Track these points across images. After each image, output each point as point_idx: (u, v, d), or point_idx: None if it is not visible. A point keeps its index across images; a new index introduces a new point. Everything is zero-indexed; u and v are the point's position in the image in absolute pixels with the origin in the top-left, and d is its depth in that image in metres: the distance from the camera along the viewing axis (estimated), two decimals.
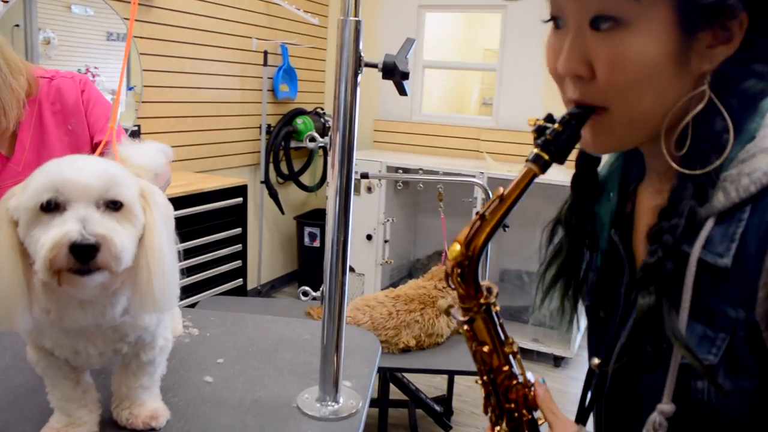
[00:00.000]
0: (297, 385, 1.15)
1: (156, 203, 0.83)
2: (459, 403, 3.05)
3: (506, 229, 2.71)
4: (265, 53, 3.79)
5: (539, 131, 0.66)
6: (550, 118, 0.67)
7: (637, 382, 0.69)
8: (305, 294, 1.09)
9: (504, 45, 4.02)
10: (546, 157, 0.64)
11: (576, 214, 0.78)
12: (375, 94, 4.39)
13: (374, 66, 0.98)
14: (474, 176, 3.41)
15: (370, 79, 4.65)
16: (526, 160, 0.65)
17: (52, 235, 0.71)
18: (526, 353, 3.60)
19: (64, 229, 0.71)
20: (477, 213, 0.66)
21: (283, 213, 4.20)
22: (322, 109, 4.28)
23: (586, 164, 0.77)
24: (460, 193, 3.52)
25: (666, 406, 0.61)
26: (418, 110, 4.33)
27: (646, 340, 0.63)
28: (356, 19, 0.95)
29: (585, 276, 0.80)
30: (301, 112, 4.11)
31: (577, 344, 3.63)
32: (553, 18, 0.66)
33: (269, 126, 3.95)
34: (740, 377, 0.59)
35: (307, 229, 4.21)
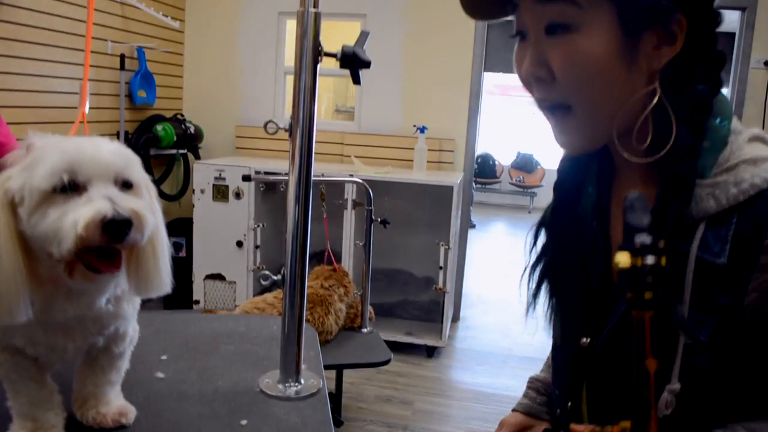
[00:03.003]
0: (250, 372, 1.16)
1: (150, 185, 0.82)
2: (346, 399, 3.12)
3: (387, 225, 2.84)
4: (122, 57, 3.60)
5: (635, 273, 0.58)
6: (638, 251, 0.58)
7: (624, 361, 0.73)
8: (265, 278, 1.11)
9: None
10: (648, 295, 0.57)
11: (559, 217, 0.85)
12: (236, 100, 4.34)
13: (333, 56, 1.03)
14: (347, 178, 3.52)
15: (230, 85, 4.64)
16: (633, 311, 0.58)
17: (85, 213, 0.67)
18: (400, 346, 3.76)
19: (96, 206, 0.68)
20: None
21: None
22: (182, 115, 4.14)
23: (568, 170, 0.85)
24: (332, 196, 3.60)
25: (674, 385, 0.69)
26: (280, 116, 4.35)
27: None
28: (316, 10, 1.00)
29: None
30: (160, 119, 3.95)
31: (446, 334, 3.86)
32: (518, 32, 0.75)
33: (127, 133, 3.76)
34: (726, 353, 0.68)
35: (171, 239, 4.05)
